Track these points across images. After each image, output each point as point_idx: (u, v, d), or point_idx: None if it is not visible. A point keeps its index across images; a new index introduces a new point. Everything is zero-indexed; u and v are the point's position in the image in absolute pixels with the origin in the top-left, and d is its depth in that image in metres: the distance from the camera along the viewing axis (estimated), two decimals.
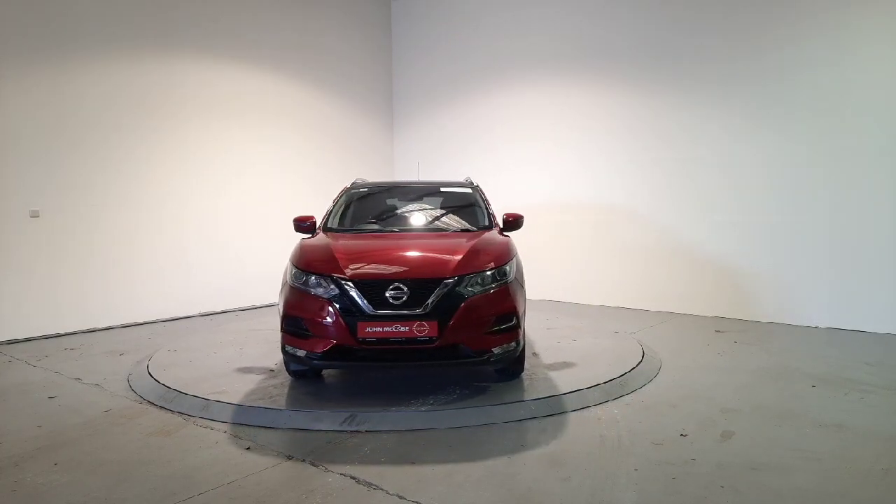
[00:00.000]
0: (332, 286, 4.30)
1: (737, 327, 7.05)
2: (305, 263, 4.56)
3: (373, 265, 4.45)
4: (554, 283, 9.11)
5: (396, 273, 4.32)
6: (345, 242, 4.89)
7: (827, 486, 3.15)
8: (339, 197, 6.03)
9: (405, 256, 4.61)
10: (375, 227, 5.63)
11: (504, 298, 4.43)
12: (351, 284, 4.25)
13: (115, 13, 7.37)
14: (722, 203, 7.62)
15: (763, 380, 5.00)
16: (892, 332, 6.55)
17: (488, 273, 4.44)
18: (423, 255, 4.62)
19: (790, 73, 7.01)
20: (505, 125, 9.63)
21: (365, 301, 4.19)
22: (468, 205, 5.92)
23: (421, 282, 4.24)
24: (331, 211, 5.81)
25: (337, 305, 4.22)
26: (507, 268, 4.59)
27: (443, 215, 5.95)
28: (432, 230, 5.59)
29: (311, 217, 5.65)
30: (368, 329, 4.14)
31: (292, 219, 5.60)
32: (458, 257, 4.45)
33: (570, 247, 9.01)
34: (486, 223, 5.57)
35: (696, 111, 7.74)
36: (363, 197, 6.17)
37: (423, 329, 4.14)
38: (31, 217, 6.76)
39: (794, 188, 7.08)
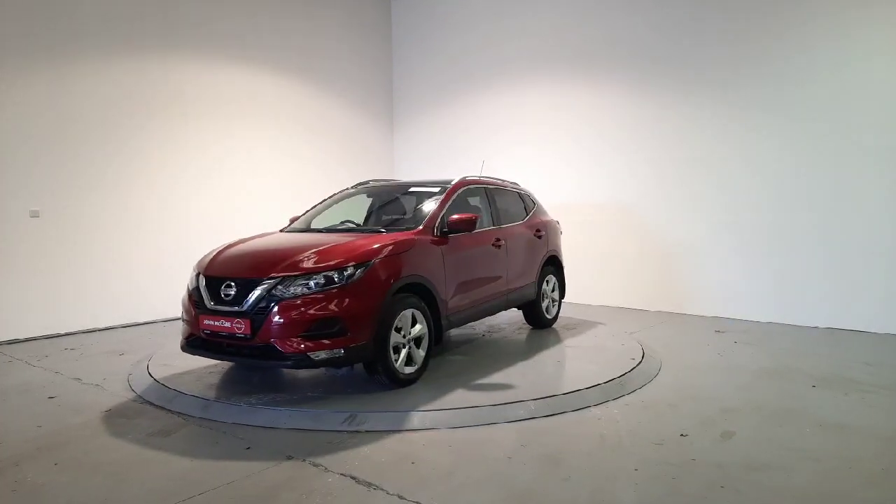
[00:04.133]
0: (195, 280, 4.71)
1: (737, 327, 7.05)
2: (201, 261, 4.92)
3: (225, 263, 4.67)
4: None
5: (232, 272, 4.53)
6: (253, 241, 5.14)
7: (827, 486, 3.15)
8: (328, 197, 6.13)
9: (251, 257, 4.72)
10: (312, 227, 5.75)
11: (327, 302, 4.24)
12: (202, 279, 4.62)
13: (115, 14, 7.36)
14: (721, 203, 7.61)
15: (763, 380, 5.00)
16: (892, 332, 6.55)
17: (317, 276, 4.30)
18: (260, 256, 4.66)
19: (798, 74, 7.00)
20: (505, 126, 9.61)
21: (207, 296, 4.51)
22: (419, 206, 5.58)
23: (245, 281, 4.39)
24: (306, 211, 5.96)
25: (193, 298, 4.62)
26: (347, 271, 4.34)
27: (382, 216, 5.86)
28: (344, 231, 5.33)
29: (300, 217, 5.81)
30: (205, 322, 4.45)
31: (289, 218, 5.79)
32: (288, 259, 4.44)
33: (569, 247, 8.98)
34: (419, 225, 5.12)
35: (693, 111, 7.72)
36: (342, 198, 6.20)
37: (240, 326, 4.29)
38: (31, 217, 6.76)
39: (794, 188, 7.08)
